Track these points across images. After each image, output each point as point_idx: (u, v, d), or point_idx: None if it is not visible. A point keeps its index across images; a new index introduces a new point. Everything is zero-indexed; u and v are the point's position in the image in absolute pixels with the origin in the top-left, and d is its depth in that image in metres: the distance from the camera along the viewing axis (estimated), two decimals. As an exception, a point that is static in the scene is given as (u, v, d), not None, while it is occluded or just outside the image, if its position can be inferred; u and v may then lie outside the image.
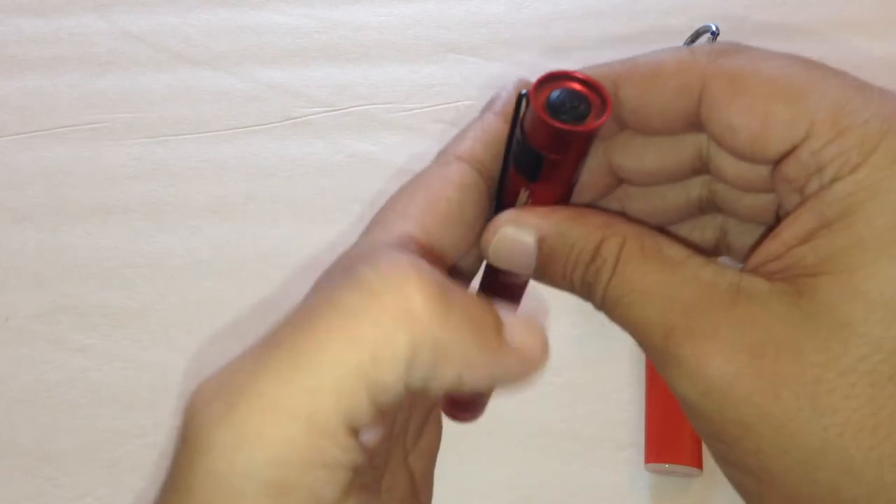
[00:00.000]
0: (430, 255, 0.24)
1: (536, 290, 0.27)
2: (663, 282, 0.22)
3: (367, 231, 0.24)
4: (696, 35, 0.58)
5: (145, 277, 0.55)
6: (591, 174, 0.26)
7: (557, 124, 0.22)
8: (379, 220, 0.24)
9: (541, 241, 0.24)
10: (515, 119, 0.24)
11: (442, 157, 0.25)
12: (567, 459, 0.48)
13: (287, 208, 0.57)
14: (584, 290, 0.24)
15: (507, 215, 0.24)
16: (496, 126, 0.25)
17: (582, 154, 0.23)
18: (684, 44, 0.59)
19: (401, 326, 0.19)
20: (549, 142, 0.22)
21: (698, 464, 0.46)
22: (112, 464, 0.49)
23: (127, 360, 0.53)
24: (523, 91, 0.23)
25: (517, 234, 0.24)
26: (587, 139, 0.22)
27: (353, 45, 0.64)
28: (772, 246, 0.22)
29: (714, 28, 0.56)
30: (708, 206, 0.26)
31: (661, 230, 0.26)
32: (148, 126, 0.61)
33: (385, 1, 0.66)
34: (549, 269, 0.24)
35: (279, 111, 0.61)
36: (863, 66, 0.65)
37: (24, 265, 0.56)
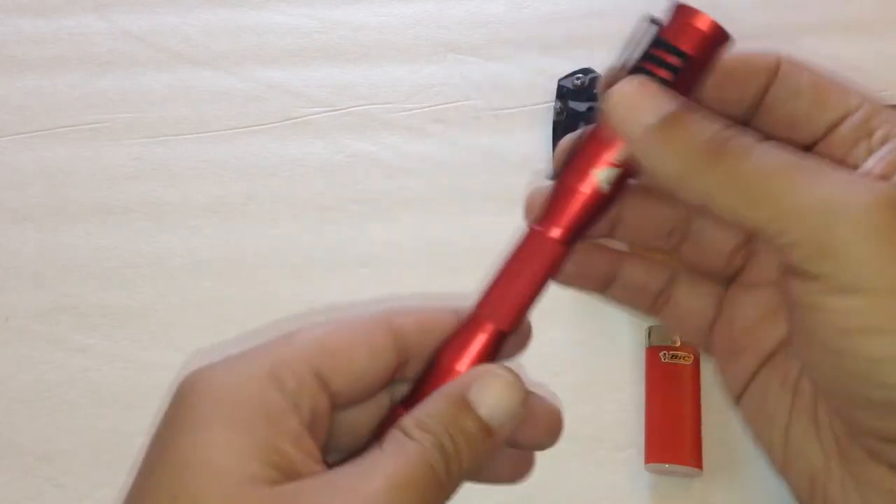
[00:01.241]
0: (318, 388, 0.25)
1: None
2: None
3: (278, 340, 0.26)
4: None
5: (145, 277, 0.55)
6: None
7: (715, 25, 0.26)
8: (293, 334, 0.26)
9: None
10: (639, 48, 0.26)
11: (382, 312, 0.27)
12: (567, 459, 0.48)
13: (287, 208, 0.57)
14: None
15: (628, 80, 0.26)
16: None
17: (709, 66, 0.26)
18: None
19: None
20: (697, 42, 0.26)
21: (698, 464, 0.46)
22: (112, 464, 0.49)
23: (127, 360, 0.53)
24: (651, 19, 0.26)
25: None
26: (723, 43, 0.27)
27: (353, 45, 0.64)
28: None
29: (714, 28, 0.56)
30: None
31: None
32: (148, 126, 0.61)
33: (385, 1, 0.66)
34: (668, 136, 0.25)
35: (279, 111, 0.61)
36: (863, 66, 0.66)
37: (24, 265, 0.56)
